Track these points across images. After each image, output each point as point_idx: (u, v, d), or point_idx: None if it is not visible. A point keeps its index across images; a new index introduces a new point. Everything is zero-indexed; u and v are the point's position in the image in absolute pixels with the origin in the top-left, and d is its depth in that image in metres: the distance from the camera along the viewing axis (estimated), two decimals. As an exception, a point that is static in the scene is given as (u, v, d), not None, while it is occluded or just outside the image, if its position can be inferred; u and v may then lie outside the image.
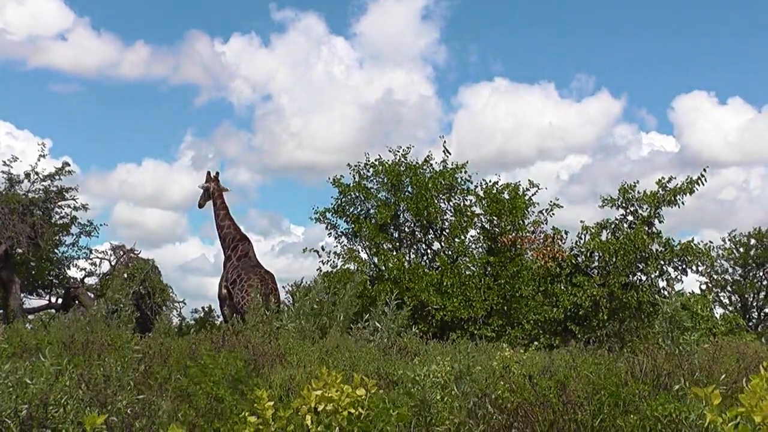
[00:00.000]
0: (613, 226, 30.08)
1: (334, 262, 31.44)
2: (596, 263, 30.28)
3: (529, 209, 30.71)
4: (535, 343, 15.97)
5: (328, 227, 32.64)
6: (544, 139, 58.09)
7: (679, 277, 30.01)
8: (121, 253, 33.50)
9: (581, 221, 30.60)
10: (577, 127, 61.92)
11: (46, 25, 62.85)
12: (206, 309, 45.56)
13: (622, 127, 66.26)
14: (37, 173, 30.89)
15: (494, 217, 30.46)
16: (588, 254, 30.42)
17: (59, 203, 31.60)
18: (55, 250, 33.33)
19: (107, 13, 65.91)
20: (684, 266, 30.05)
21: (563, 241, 30.79)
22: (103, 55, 60.81)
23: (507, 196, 30.28)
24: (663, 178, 29.44)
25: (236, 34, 68.48)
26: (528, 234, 30.94)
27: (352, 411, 5.86)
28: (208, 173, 25.39)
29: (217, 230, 25.04)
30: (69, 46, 60.10)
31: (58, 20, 63.61)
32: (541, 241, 30.78)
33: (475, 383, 8.72)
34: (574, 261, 30.14)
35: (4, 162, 30.80)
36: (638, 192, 29.73)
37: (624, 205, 29.98)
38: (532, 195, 30.73)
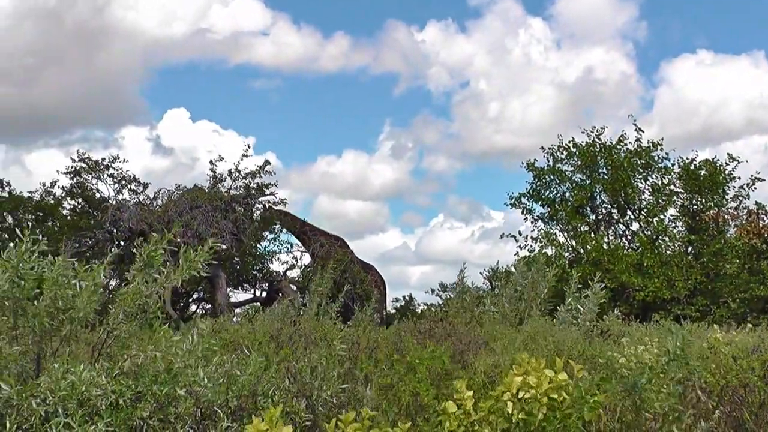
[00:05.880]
0: (822, 197, 28.88)
1: (531, 246, 31.38)
2: (806, 237, 29.13)
3: (729, 184, 29.79)
4: (749, 324, 15.36)
5: (524, 212, 32.58)
6: (754, 110, 55.63)
7: None
8: (320, 245, 34.16)
9: (786, 194, 29.51)
10: (790, 95, 58.86)
11: (247, 23, 64.89)
12: (407, 297, 46.27)
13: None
14: (239, 171, 31.89)
15: (693, 195, 29.70)
16: (797, 228, 29.32)
17: (259, 199, 32.53)
18: (258, 245, 34.33)
19: (307, 7, 67.46)
20: None
21: (768, 216, 29.77)
22: (303, 48, 62.21)
23: (705, 173, 29.44)
24: None
25: (432, 21, 68.71)
26: (730, 210, 30.04)
27: (555, 396, 5.79)
28: None
29: None
30: (270, 42, 61.81)
31: (259, 17, 65.50)
32: (745, 217, 29.83)
33: (687, 366, 8.49)
34: (781, 236, 29.08)
35: (211, 161, 32.04)
36: None
37: (834, 175, 28.75)
38: (732, 169, 29.78)
